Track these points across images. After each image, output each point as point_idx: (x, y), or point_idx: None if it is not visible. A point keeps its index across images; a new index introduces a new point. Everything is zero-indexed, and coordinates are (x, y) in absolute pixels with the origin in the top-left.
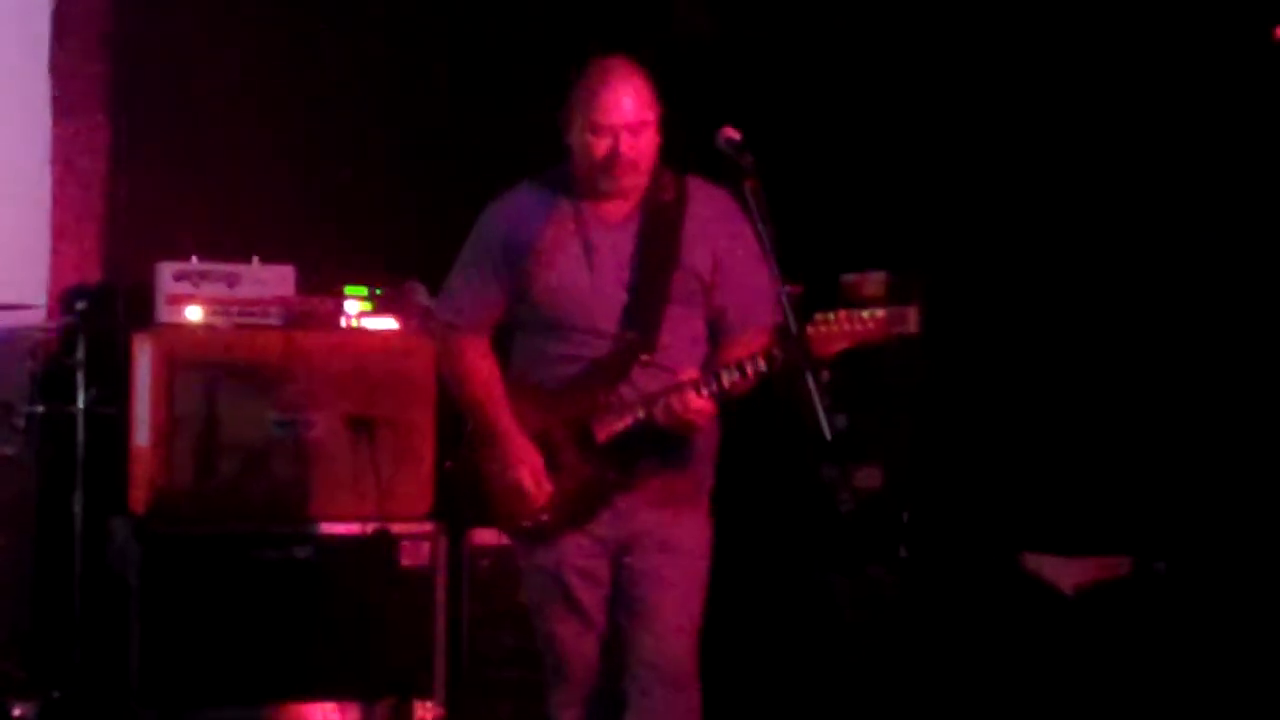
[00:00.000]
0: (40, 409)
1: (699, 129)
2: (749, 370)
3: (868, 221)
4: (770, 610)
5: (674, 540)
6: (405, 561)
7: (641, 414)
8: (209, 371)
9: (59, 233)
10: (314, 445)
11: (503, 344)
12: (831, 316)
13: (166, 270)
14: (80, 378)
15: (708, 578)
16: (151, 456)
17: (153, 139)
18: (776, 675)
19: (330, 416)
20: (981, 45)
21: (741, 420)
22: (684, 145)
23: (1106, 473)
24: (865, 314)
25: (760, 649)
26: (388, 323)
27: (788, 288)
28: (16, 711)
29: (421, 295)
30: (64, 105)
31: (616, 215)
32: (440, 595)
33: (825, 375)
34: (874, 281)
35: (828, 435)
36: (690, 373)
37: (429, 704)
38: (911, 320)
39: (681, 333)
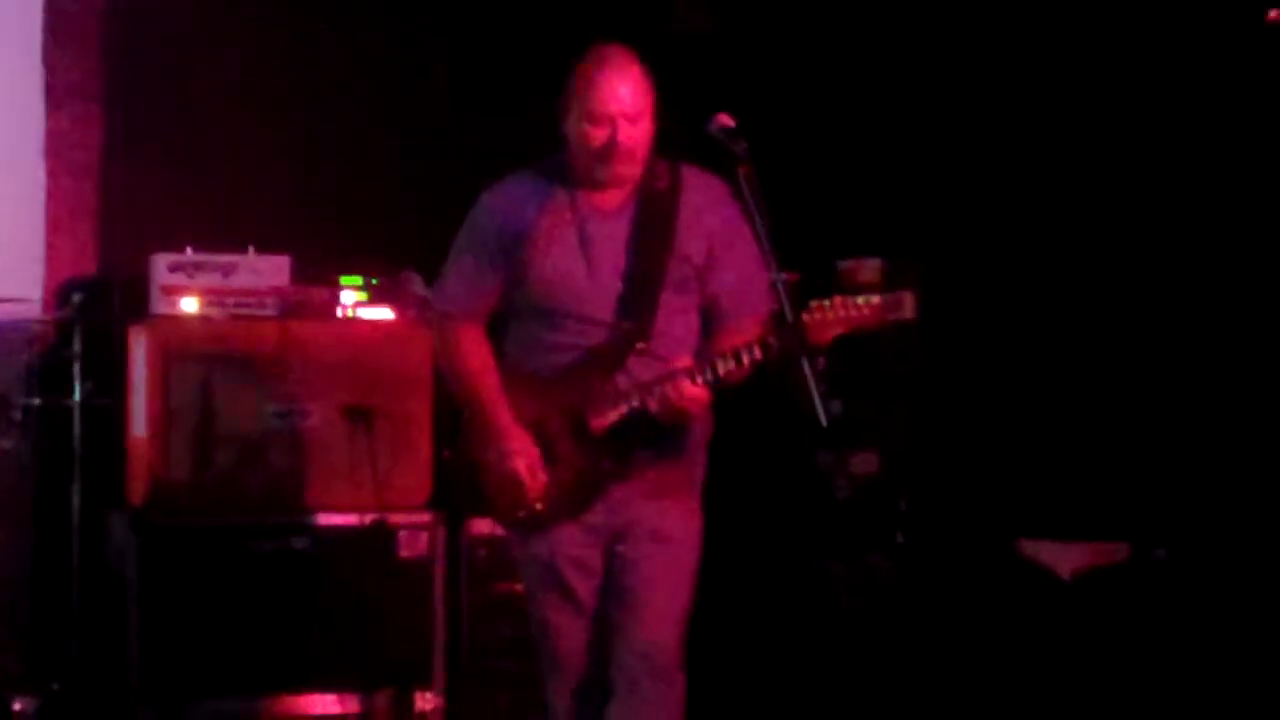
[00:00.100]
0: (37, 402)
1: (695, 117)
2: (744, 358)
3: (863, 208)
4: (767, 597)
5: (665, 530)
6: (403, 552)
7: (636, 403)
8: (205, 363)
9: (54, 226)
10: (311, 436)
11: (495, 332)
12: (826, 303)
13: (161, 262)
14: (76, 370)
15: (697, 568)
16: (148, 448)
17: (147, 131)
18: (774, 663)
19: (327, 407)
20: (976, 32)
21: (738, 407)
22: (680, 134)
23: (1104, 458)
24: (860, 300)
25: (758, 636)
26: (384, 313)
27: (783, 275)
28: (16, 706)
29: (417, 285)
30: (58, 98)
31: (612, 203)
32: (438, 586)
33: (821, 362)
34: (870, 268)
35: (823, 422)
36: (685, 361)
37: (428, 694)
38: (907, 306)
39: (676, 321)
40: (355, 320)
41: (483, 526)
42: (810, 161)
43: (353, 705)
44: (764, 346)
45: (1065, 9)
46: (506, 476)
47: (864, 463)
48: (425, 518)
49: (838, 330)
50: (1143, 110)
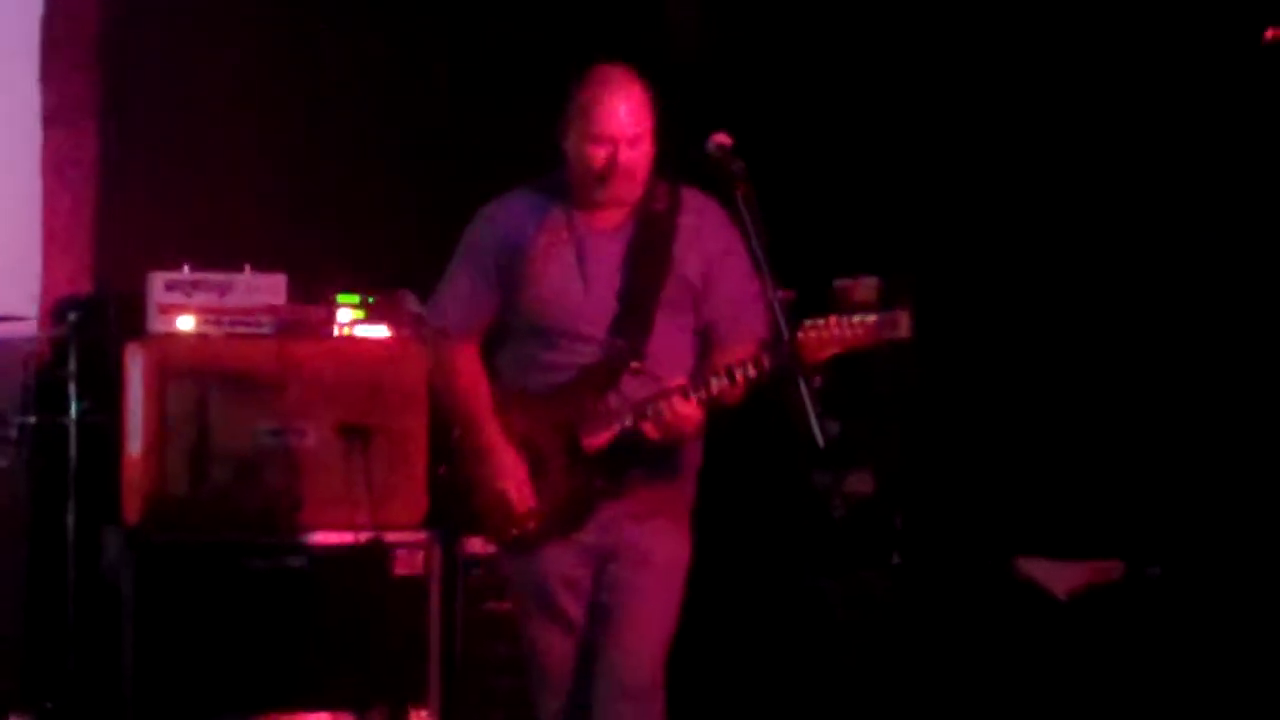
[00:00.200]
0: (32, 420)
1: (690, 135)
2: (739, 377)
3: (859, 226)
4: (763, 617)
5: (654, 554)
6: (399, 570)
7: (629, 422)
8: (201, 381)
9: (50, 243)
10: (306, 454)
11: (488, 349)
12: (821, 322)
13: (158, 280)
14: (72, 388)
15: (683, 593)
16: (144, 466)
17: (143, 149)
18: (770, 682)
19: (323, 425)
20: (972, 49)
21: (734, 426)
22: (675, 152)
23: (1099, 477)
24: (856, 319)
25: (754, 655)
26: (379, 331)
27: (779, 293)
28: None
29: (412, 303)
30: (55, 115)
31: (609, 223)
32: (434, 603)
33: (817, 381)
34: (866, 286)
35: (819, 442)
36: (679, 380)
37: (423, 713)
38: (903, 325)
39: (671, 342)
40: (351, 339)
41: (478, 545)
42: (806, 179)
43: None
44: (758, 365)
45: (1060, 24)
46: (495, 495)
47: (860, 482)
48: (421, 536)
49: (833, 350)
50: (1138, 129)
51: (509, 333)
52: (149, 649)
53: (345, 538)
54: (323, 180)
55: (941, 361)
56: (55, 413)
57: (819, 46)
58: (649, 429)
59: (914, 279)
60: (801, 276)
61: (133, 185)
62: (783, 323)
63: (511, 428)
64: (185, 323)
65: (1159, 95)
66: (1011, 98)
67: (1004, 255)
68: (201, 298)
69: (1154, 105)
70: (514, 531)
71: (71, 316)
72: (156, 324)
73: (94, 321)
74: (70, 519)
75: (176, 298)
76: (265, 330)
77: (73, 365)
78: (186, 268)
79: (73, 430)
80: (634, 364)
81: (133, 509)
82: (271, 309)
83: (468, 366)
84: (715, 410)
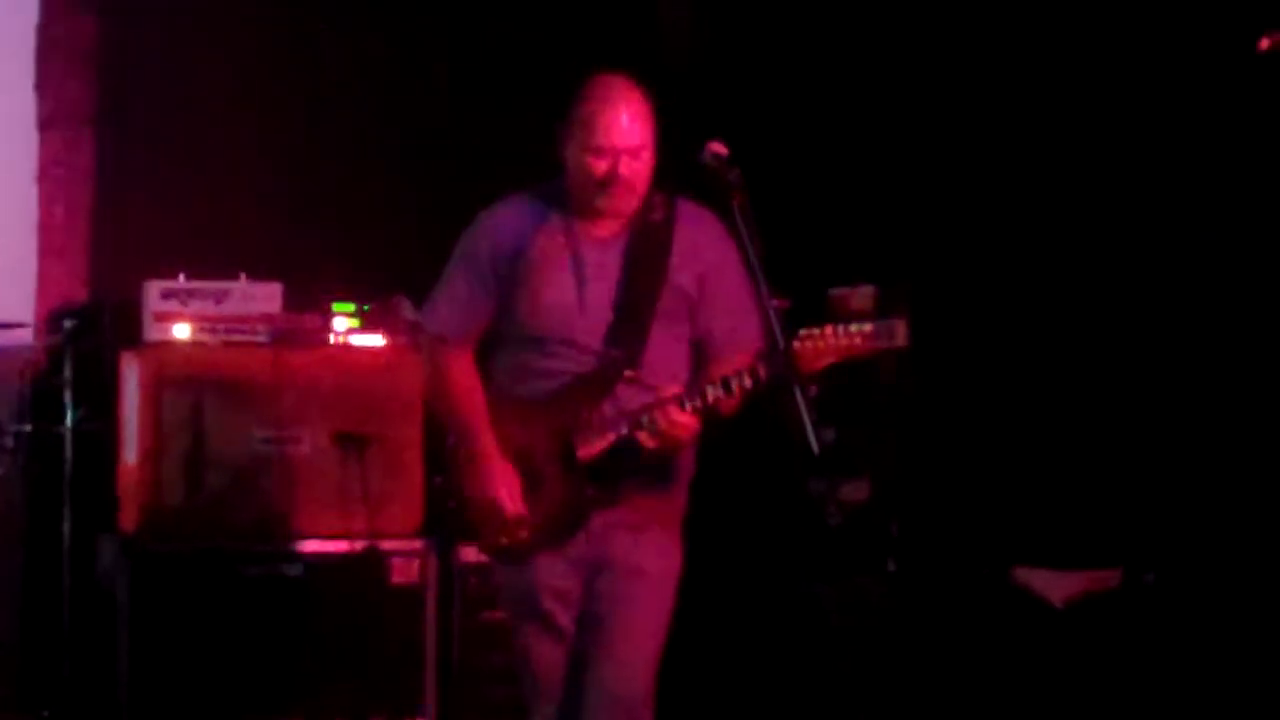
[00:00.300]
0: (28, 428)
1: (685, 144)
2: (734, 386)
3: (855, 235)
4: (759, 624)
5: (646, 564)
6: (395, 579)
7: (624, 431)
8: (197, 389)
9: (46, 251)
10: (302, 462)
11: (482, 357)
12: (817, 331)
13: (154, 288)
14: (68, 396)
15: (674, 604)
16: (140, 474)
17: (139, 157)
18: (766, 690)
19: (318, 433)
20: (967, 58)
21: (729, 434)
22: (670, 160)
23: (1096, 485)
24: (853, 328)
25: (749, 663)
26: (375, 339)
27: (774, 302)
28: None
29: (408, 311)
30: (50, 123)
31: (607, 232)
32: (430, 612)
33: (813, 389)
34: (862, 295)
35: (815, 449)
36: (674, 388)
37: None
38: (900, 334)
39: (666, 352)
40: (347, 347)
41: (474, 554)
42: (802, 188)
43: None
44: (754, 375)
45: (1055, 32)
46: (487, 503)
47: (855, 489)
48: (417, 544)
49: (829, 359)
50: (1134, 141)
51: (503, 339)
52: (145, 657)
53: (341, 546)
54: (319, 188)
55: (938, 369)
56: (51, 421)
57: (814, 54)
58: (644, 438)
59: (910, 287)
60: (798, 285)
61: (128, 193)
62: (778, 332)
63: (505, 436)
64: (181, 331)
65: (1154, 103)
66: (1007, 106)
67: (1000, 263)
68: (197, 306)
69: (1149, 113)
70: (505, 540)
71: (67, 324)
72: (152, 332)
73: (90, 329)
74: (66, 527)
75: (172, 306)
76: (261, 338)
77: (68, 373)
78: (182, 276)
79: (68, 438)
80: (628, 372)
81: (128, 517)
82: (267, 317)
83: (462, 373)
84: (710, 420)
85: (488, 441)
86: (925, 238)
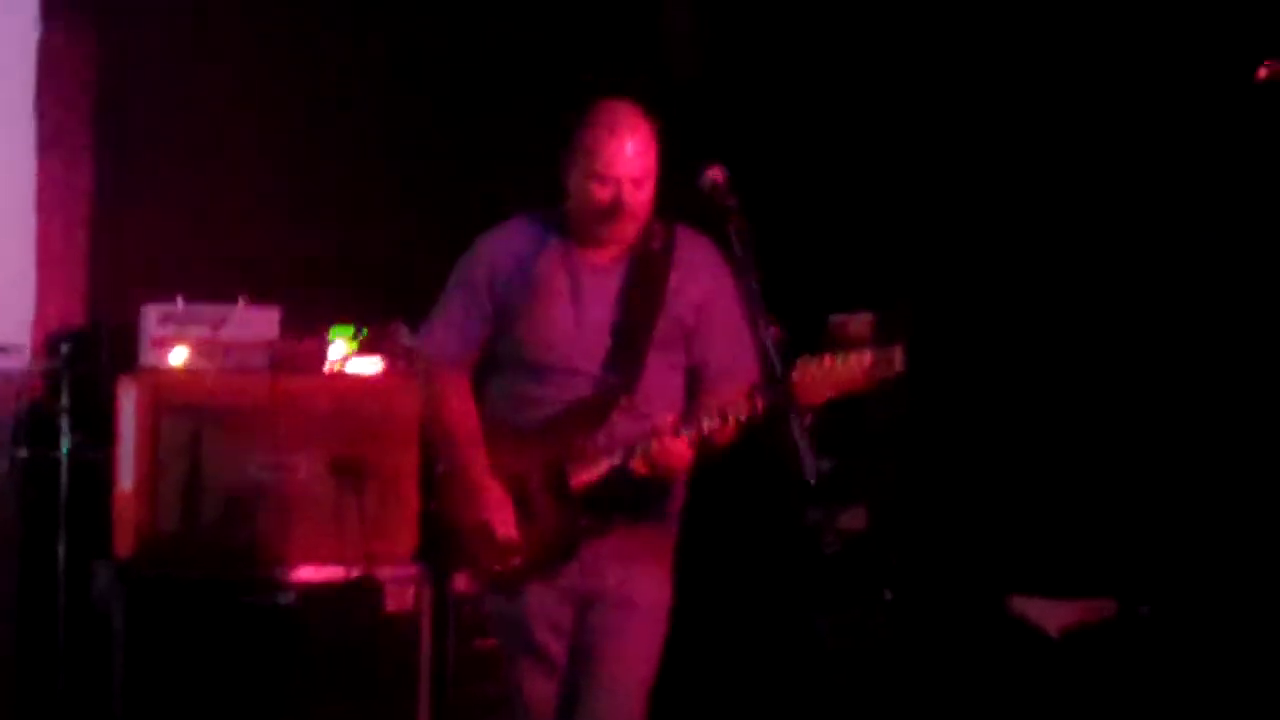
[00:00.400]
0: (24, 453)
1: (684, 169)
2: (730, 417)
3: (854, 262)
4: (756, 653)
5: (637, 596)
6: (390, 606)
7: (618, 460)
8: (193, 415)
9: (44, 275)
10: (298, 489)
11: (475, 383)
12: (816, 364)
13: (152, 313)
14: (65, 421)
15: (665, 637)
16: (136, 500)
17: (137, 181)
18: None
19: (315, 460)
20: (969, 84)
21: (726, 462)
22: (669, 185)
23: (1092, 515)
24: (852, 361)
25: (747, 691)
26: (373, 365)
27: (772, 329)
28: None
29: (406, 337)
30: (49, 145)
31: (605, 259)
32: (425, 640)
33: (809, 418)
34: (860, 322)
35: (812, 478)
36: (669, 418)
37: None
38: (897, 361)
39: (662, 380)
40: (344, 374)
41: (469, 582)
42: (800, 214)
43: None
44: (752, 406)
45: (1052, 59)
46: (479, 529)
47: (853, 518)
48: (412, 572)
49: (829, 393)
50: (1131, 172)
51: (498, 364)
52: (140, 683)
53: (336, 573)
54: (317, 212)
55: (935, 398)
56: (47, 445)
57: (812, 81)
58: (639, 466)
59: (909, 314)
60: (795, 311)
61: (126, 216)
62: (775, 360)
63: (498, 462)
64: (178, 356)
65: (1151, 131)
66: (1007, 133)
67: (998, 292)
68: (195, 331)
69: (1146, 142)
70: (496, 568)
71: (64, 349)
72: (149, 357)
73: (87, 354)
74: (61, 552)
75: (170, 330)
76: (258, 364)
77: (65, 398)
78: (180, 300)
79: (64, 463)
80: (625, 400)
81: (124, 543)
82: (265, 343)
83: (457, 397)
84: (705, 450)
85: (481, 466)
86: (924, 265)
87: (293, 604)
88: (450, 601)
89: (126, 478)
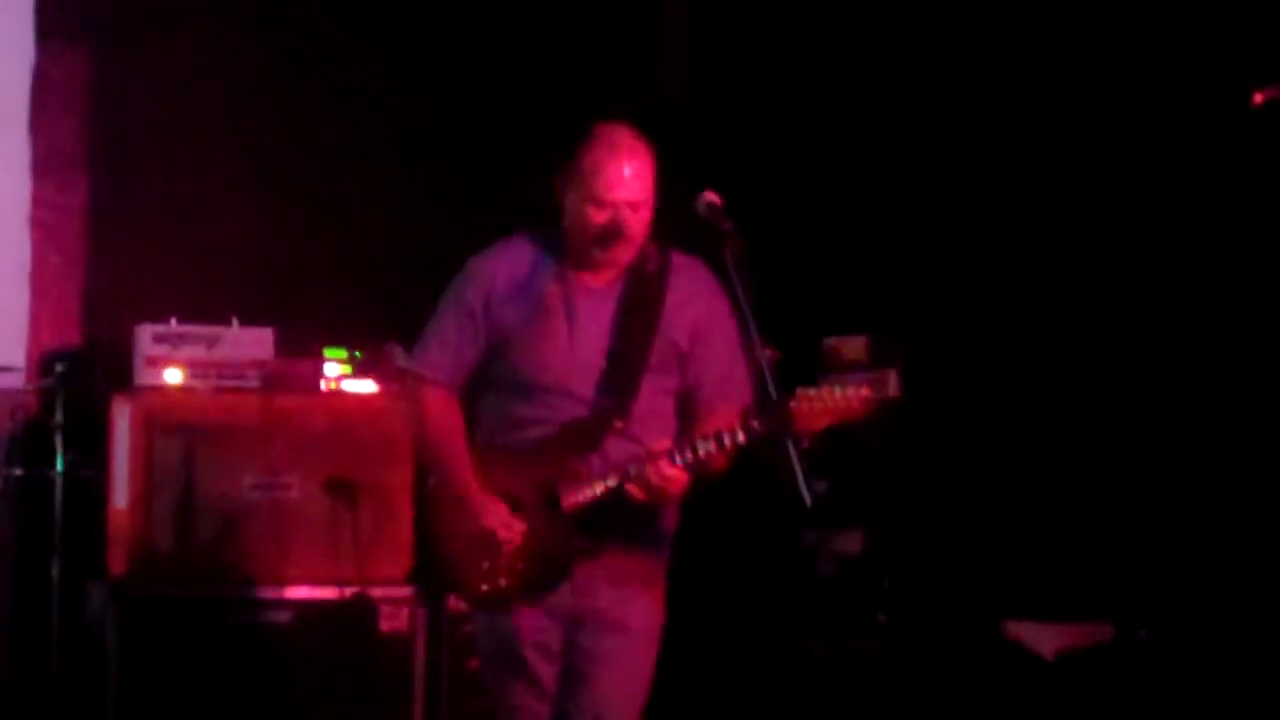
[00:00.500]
0: (18, 471)
1: (679, 193)
2: (726, 442)
3: (849, 285)
4: (750, 676)
5: (627, 622)
6: (384, 626)
7: (612, 483)
8: (188, 434)
9: (38, 294)
10: (292, 508)
11: (467, 404)
12: (814, 392)
13: (146, 332)
14: (59, 440)
15: (655, 661)
16: (130, 519)
17: (132, 201)
18: None
19: (308, 480)
20: (963, 109)
21: (721, 485)
22: (664, 208)
23: (1087, 538)
24: (850, 390)
25: (740, 716)
26: (367, 385)
27: (767, 352)
28: None
29: (400, 357)
30: (43, 166)
31: (600, 282)
32: (419, 660)
33: (804, 441)
34: (854, 345)
35: (807, 501)
36: (663, 443)
37: None
38: (892, 384)
39: (655, 403)
40: (338, 393)
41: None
42: (796, 238)
43: None
44: (748, 431)
45: (1047, 82)
46: (480, 537)
47: (848, 541)
48: (406, 591)
49: (827, 421)
50: (1127, 197)
51: (491, 385)
52: (133, 701)
53: (330, 593)
54: (312, 233)
55: (930, 421)
56: (41, 464)
57: (807, 106)
58: (634, 491)
59: (903, 338)
60: (790, 334)
61: (121, 237)
62: (770, 384)
63: (489, 482)
64: (172, 375)
65: (1146, 156)
66: (1002, 157)
67: (993, 315)
68: (189, 350)
69: (1141, 165)
70: (484, 587)
71: (58, 368)
72: (144, 376)
73: (81, 373)
74: (55, 570)
75: (164, 350)
76: (252, 384)
77: (59, 417)
78: (174, 320)
79: (58, 482)
80: (617, 423)
81: (118, 561)
82: (259, 363)
83: (447, 413)
84: (700, 474)
85: (470, 478)
86: (919, 289)
87: (287, 623)
88: (444, 621)
89: (121, 496)
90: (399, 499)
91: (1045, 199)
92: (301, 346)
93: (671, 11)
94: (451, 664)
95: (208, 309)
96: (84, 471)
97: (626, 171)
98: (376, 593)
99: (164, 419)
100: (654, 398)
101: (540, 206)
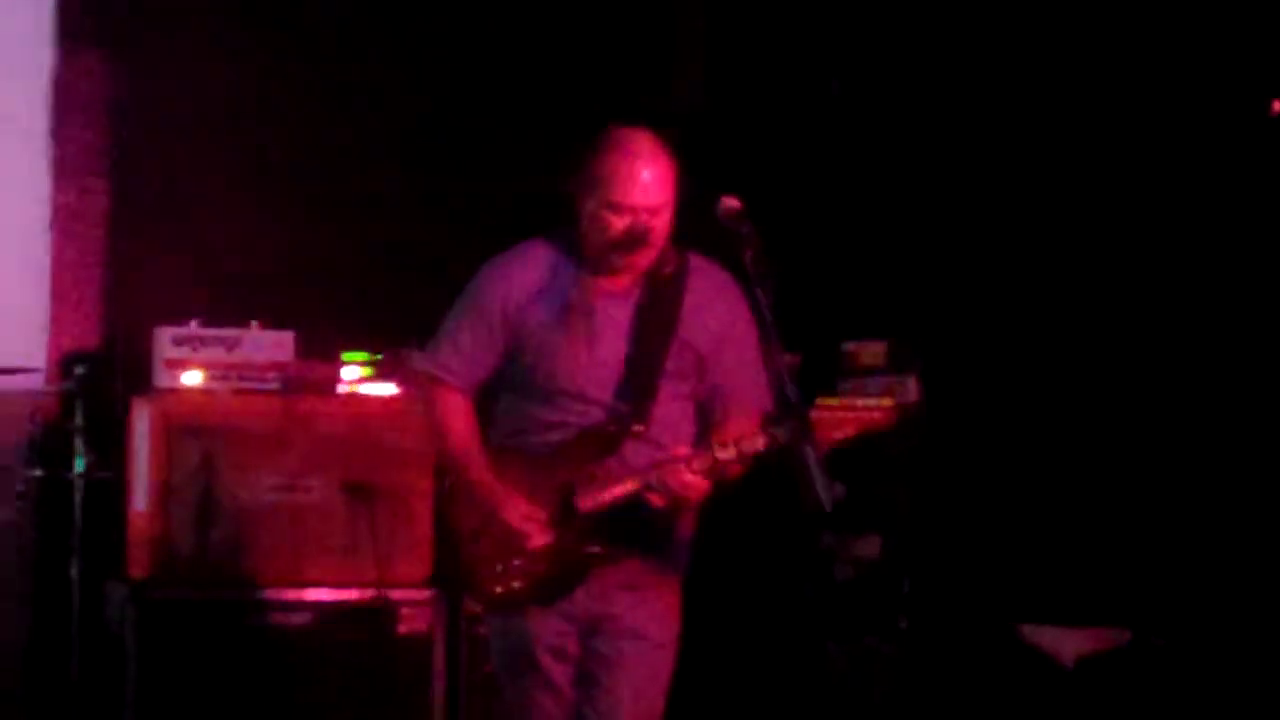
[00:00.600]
0: (38, 473)
1: (698, 198)
2: (746, 449)
3: (868, 290)
4: (769, 680)
5: (644, 628)
6: (403, 628)
7: (631, 487)
8: (207, 437)
9: (58, 297)
10: (312, 511)
11: (483, 406)
12: (836, 402)
13: (165, 335)
14: (79, 442)
15: (672, 668)
16: (149, 521)
17: (152, 204)
18: None
19: (328, 482)
20: (982, 114)
21: (740, 489)
22: (683, 212)
23: (1105, 544)
24: (873, 402)
25: (758, 719)
26: (386, 388)
27: (786, 357)
28: None
29: (415, 359)
30: (64, 170)
31: (618, 286)
32: (439, 662)
33: (824, 447)
34: (873, 351)
35: (826, 505)
36: (683, 449)
37: None
38: (911, 389)
39: (673, 408)
40: (358, 396)
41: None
42: (815, 243)
43: None
44: (769, 438)
45: (1063, 89)
46: (501, 531)
47: (866, 546)
48: (425, 594)
49: (848, 431)
50: (1145, 203)
51: (507, 388)
52: (152, 703)
53: (350, 595)
54: (332, 236)
55: (949, 425)
56: (61, 466)
57: (826, 109)
58: (654, 497)
59: (922, 343)
60: (810, 339)
61: (141, 239)
62: (789, 389)
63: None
64: (192, 378)
65: (1165, 165)
66: (1022, 165)
67: (1012, 319)
68: (208, 353)
69: (1161, 175)
70: (499, 589)
71: (78, 370)
72: (163, 379)
73: (101, 375)
74: (75, 572)
75: (184, 353)
76: (272, 386)
77: (79, 419)
78: (194, 323)
79: (78, 484)
80: (636, 428)
81: (137, 563)
82: (278, 365)
83: (462, 413)
84: (719, 480)
85: (490, 476)
86: (938, 294)
87: (306, 625)
88: (463, 623)
89: (140, 499)
90: (418, 501)
91: (1066, 206)
92: (321, 349)
93: (687, 13)
94: (471, 666)
95: (228, 312)
96: (103, 473)
97: (645, 176)
98: (395, 595)
99: (183, 421)
100: (672, 402)
101: (555, 213)
